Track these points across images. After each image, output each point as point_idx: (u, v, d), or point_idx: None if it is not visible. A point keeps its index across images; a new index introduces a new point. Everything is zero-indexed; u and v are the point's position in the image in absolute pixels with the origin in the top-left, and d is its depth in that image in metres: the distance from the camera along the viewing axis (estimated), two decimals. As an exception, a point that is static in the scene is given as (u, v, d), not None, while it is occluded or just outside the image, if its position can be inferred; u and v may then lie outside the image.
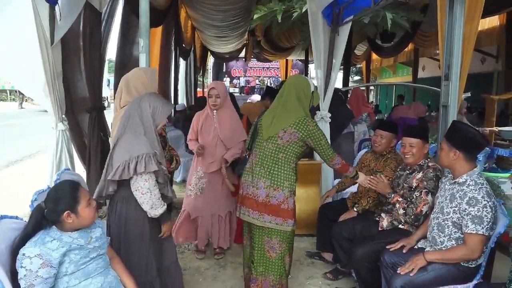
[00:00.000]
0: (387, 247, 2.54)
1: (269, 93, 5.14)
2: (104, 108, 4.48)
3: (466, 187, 2.23)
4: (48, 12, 3.49)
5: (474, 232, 2.15)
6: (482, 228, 2.13)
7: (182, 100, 11.10)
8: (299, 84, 2.74)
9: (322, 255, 3.62)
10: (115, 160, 2.16)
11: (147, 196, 2.16)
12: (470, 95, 3.80)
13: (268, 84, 19.06)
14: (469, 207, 2.17)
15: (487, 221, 2.14)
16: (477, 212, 2.14)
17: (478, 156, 2.92)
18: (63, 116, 3.87)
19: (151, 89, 2.74)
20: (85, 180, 3.96)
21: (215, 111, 3.48)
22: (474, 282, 2.28)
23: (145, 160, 2.10)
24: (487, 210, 2.14)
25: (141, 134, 2.20)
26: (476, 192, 2.18)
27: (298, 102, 2.67)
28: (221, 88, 3.49)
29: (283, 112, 2.67)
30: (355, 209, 3.24)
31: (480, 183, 2.23)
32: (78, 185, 1.82)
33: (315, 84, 3.18)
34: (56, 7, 3.51)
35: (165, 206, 2.29)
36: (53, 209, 1.72)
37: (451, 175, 2.39)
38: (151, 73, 2.86)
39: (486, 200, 2.16)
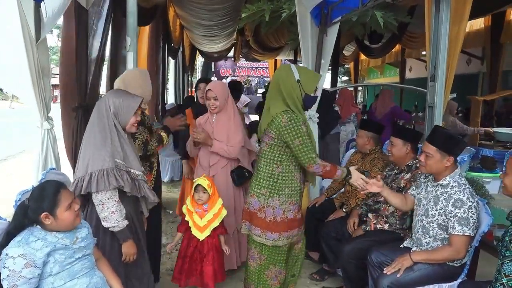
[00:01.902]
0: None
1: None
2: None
3: (450, 188, 2.26)
4: (33, 10, 3.44)
5: (461, 233, 2.17)
6: (469, 229, 2.17)
7: (172, 99, 11.06)
8: (279, 75, 2.43)
9: (309, 254, 3.63)
10: (76, 172, 2.09)
11: (99, 208, 2.05)
12: (455, 96, 3.85)
13: (254, 84, 18.90)
14: (455, 209, 2.20)
15: (472, 221, 2.17)
16: (463, 214, 2.17)
17: (461, 156, 2.97)
18: (49, 115, 3.82)
19: (147, 90, 2.76)
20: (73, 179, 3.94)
21: (214, 115, 3.14)
22: (459, 280, 2.32)
23: (97, 178, 1.99)
24: (472, 211, 2.18)
25: (100, 143, 2.06)
26: (461, 193, 2.21)
27: (279, 95, 2.38)
28: (220, 90, 3.09)
29: (265, 111, 2.47)
30: (344, 210, 3.26)
31: (463, 184, 2.26)
32: (60, 187, 1.76)
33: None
34: (42, 4, 3.45)
35: (123, 223, 2.10)
36: (33, 208, 1.69)
37: (432, 177, 2.42)
38: (145, 74, 2.86)
39: (471, 201, 2.19)
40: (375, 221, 2.86)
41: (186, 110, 3.95)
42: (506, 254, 1.66)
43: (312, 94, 2.42)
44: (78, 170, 2.08)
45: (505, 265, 1.66)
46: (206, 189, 2.72)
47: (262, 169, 2.44)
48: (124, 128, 2.19)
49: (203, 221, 2.74)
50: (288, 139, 2.30)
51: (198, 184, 2.73)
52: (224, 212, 2.79)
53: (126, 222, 2.12)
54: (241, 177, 3.16)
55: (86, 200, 2.16)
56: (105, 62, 4.67)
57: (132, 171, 2.17)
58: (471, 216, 2.17)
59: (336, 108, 6.08)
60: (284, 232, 2.43)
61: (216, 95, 3.05)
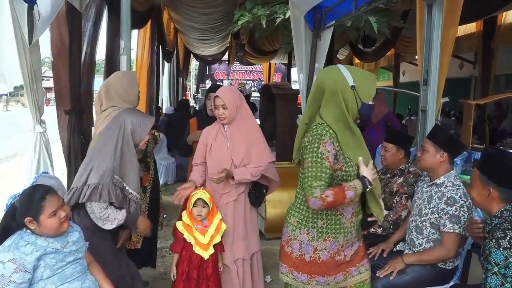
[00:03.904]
0: (368, 252, 2.53)
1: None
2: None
3: (444, 187, 2.28)
4: (26, 13, 3.43)
5: (452, 231, 2.19)
6: (459, 227, 2.18)
7: (166, 103, 11.04)
8: (324, 80, 1.93)
9: None
10: (74, 179, 2.14)
11: (91, 215, 2.13)
12: (448, 99, 3.88)
13: (248, 88, 18.86)
14: (447, 207, 2.22)
15: (464, 220, 2.19)
16: (455, 212, 2.19)
17: (455, 159, 2.99)
18: (41, 118, 3.80)
19: (133, 94, 2.73)
20: (67, 182, 3.92)
21: (226, 125, 2.67)
22: (452, 283, 2.33)
23: (92, 190, 2.07)
24: (464, 209, 2.19)
25: (106, 157, 2.14)
26: (454, 192, 2.23)
27: (327, 105, 1.93)
28: (229, 97, 2.61)
29: (302, 125, 2.06)
30: None
31: (457, 184, 2.28)
32: (47, 193, 1.73)
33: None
34: (35, 7, 3.44)
35: (121, 215, 2.18)
36: (19, 211, 1.69)
37: (427, 179, 2.44)
38: (131, 77, 2.83)
39: (463, 200, 2.21)
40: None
41: (190, 120, 3.69)
42: (488, 268, 1.64)
43: (370, 102, 1.94)
44: (78, 178, 2.13)
45: (489, 278, 1.63)
46: (207, 203, 2.47)
47: (298, 194, 2.08)
48: (136, 145, 2.29)
49: (206, 238, 2.47)
50: (303, 157, 1.92)
51: (199, 198, 2.46)
52: (224, 226, 2.54)
53: (123, 213, 2.19)
54: (261, 196, 2.76)
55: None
56: (102, 66, 4.67)
57: (126, 188, 2.23)
58: (462, 214, 2.19)
59: None
60: (317, 276, 1.96)
61: (225, 102, 2.58)
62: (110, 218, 2.14)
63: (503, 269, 1.60)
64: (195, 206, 2.46)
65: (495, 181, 1.76)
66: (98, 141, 2.26)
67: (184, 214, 2.52)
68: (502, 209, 1.76)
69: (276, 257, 3.74)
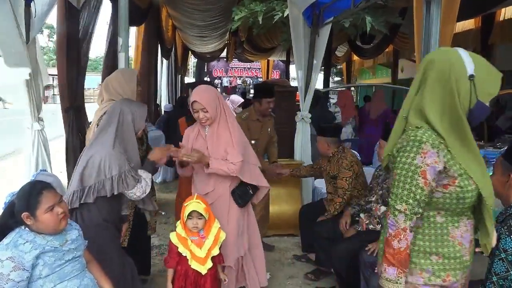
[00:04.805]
0: (366, 249, 2.57)
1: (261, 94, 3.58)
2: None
3: None
4: (23, 10, 3.42)
5: None
6: None
7: (165, 100, 11.03)
8: (434, 61, 1.48)
9: (308, 256, 3.63)
10: (87, 177, 2.16)
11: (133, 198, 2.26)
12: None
13: (248, 84, 18.87)
14: None
15: None
16: None
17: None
18: (39, 116, 3.80)
19: (128, 90, 2.79)
20: (67, 180, 3.91)
21: (206, 127, 2.60)
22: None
23: (117, 182, 2.15)
24: None
25: (116, 148, 2.20)
26: None
27: (429, 95, 1.46)
28: (207, 99, 2.50)
29: (399, 120, 1.57)
30: (325, 215, 3.28)
31: None
32: (45, 188, 1.73)
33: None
34: (32, 4, 3.43)
35: (147, 177, 2.30)
36: (16, 207, 1.69)
37: None
38: (129, 74, 2.90)
39: None
40: (367, 221, 2.88)
41: (179, 120, 3.69)
42: (496, 253, 1.69)
43: (487, 103, 1.46)
44: (90, 174, 2.16)
45: (495, 264, 1.69)
46: (202, 215, 2.26)
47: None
48: (136, 133, 2.38)
49: (203, 250, 2.26)
50: (393, 165, 1.50)
51: (193, 211, 2.26)
52: (223, 236, 2.37)
53: (145, 174, 2.30)
54: (245, 196, 2.68)
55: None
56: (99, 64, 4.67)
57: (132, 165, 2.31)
58: None
59: (337, 109, 6.16)
60: None
61: (204, 105, 2.49)
62: (145, 187, 2.25)
63: (510, 256, 1.65)
64: (189, 219, 2.26)
65: None
66: (101, 133, 2.28)
67: (179, 225, 2.33)
68: None
69: (276, 253, 3.78)
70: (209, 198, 2.51)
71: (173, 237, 2.30)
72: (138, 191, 2.23)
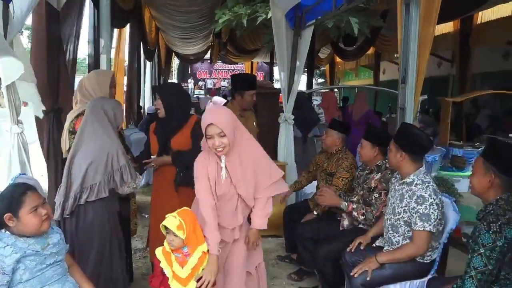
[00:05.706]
0: (347, 249, 2.59)
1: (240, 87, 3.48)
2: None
3: (414, 186, 2.33)
4: (1, 11, 3.35)
5: (422, 229, 2.24)
6: (430, 225, 2.24)
7: (148, 102, 10.93)
8: None
9: (292, 257, 3.64)
10: (92, 174, 2.19)
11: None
12: (426, 97, 3.95)
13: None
14: (417, 205, 2.27)
15: (434, 218, 2.24)
16: (425, 210, 2.24)
17: (429, 156, 3.05)
18: (18, 118, 3.73)
19: (101, 90, 2.81)
20: (47, 185, 3.84)
21: (222, 156, 2.11)
22: (429, 276, 2.39)
23: (126, 170, 2.27)
24: (433, 207, 2.25)
25: (110, 143, 2.28)
26: (423, 190, 2.28)
27: None
28: (225, 121, 2.06)
29: None
30: (314, 212, 3.31)
31: (426, 181, 2.33)
32: (29, 189, 1.73)
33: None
34: (10, 5, 3.36)
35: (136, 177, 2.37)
36: None
37: (399, 176, 2.49)
38: (103, 76, 2.93)
39: (433, 198, 2.26)
40: (354, 206, 2.84)
41: (150, 125, 3.38)
42: (475, 248, 1.74)
43: None
44: (94, 170, 2.20)
45: (474, 258, 1.74)
46: (176, 234, 1.98)
47: None
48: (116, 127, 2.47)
49: (185, 270, 1.99)
50: None
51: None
52: (205, 263, 2.05)
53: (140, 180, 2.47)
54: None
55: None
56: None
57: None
58: (432, 212, 2.24)
59: (321, 110, 6.18)
60: None
61: (222, 129, 2.02)
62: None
63: (488, 251, 1.70)
64: (167, 233, 2.03)
65: (498, 167, 1.83)
66: (93, 128, 2.31)
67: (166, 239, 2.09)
68: (498, 197, 1.84)
69: (272, 255, 3.76)
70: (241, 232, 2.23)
71: (158, 252, 2.07)
72: (133, 184, 2.34)
